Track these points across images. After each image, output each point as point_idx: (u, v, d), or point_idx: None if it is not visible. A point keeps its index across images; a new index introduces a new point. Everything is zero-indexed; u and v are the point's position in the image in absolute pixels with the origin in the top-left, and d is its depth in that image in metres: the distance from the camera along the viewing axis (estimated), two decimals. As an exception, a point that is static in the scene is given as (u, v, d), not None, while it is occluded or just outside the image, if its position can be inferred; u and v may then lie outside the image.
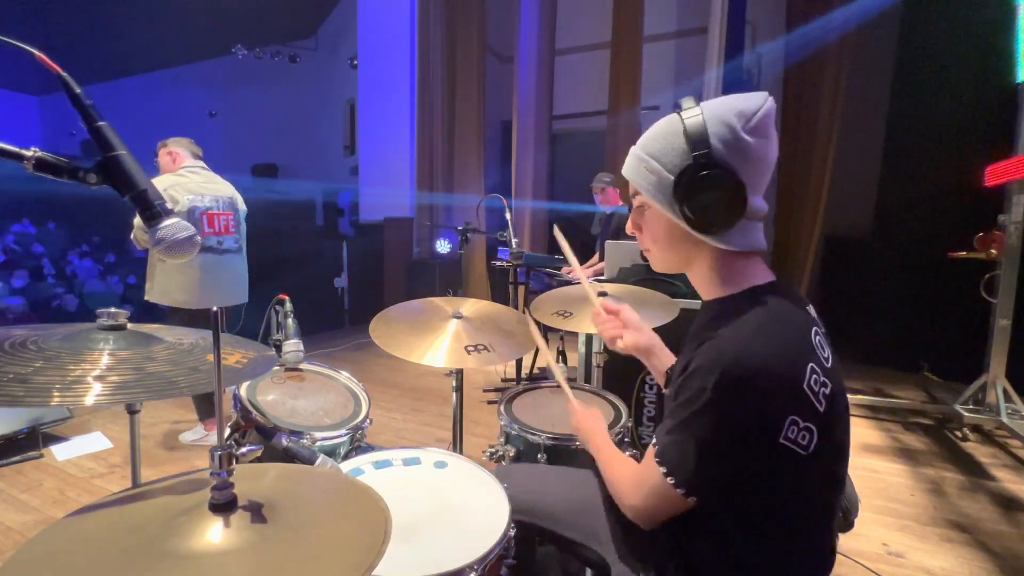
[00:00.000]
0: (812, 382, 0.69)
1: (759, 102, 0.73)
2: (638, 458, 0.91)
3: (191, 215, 2.47)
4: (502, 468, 1.20)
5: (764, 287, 0.78)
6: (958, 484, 2.41)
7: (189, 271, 2.42)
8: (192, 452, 2.63)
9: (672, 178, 0.75)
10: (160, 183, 2.43)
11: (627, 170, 0.83)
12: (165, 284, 2.44)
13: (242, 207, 2.71)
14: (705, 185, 0.72)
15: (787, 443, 0.68)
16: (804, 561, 0.77)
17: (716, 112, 0.74)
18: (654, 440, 0.78)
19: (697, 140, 0.72)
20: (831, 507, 0.78)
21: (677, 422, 0.73)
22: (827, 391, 0.70)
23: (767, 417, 0.68)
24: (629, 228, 0.89)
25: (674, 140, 0.76)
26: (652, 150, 0.79)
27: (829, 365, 0.73)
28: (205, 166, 2.61)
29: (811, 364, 0.69)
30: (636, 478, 0.81)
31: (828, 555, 0.79)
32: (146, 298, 2.51)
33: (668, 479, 0.73)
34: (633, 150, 0.82)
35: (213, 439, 2.51)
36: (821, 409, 0.69)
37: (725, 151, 0.72)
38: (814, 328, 0.75)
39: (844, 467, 0.78)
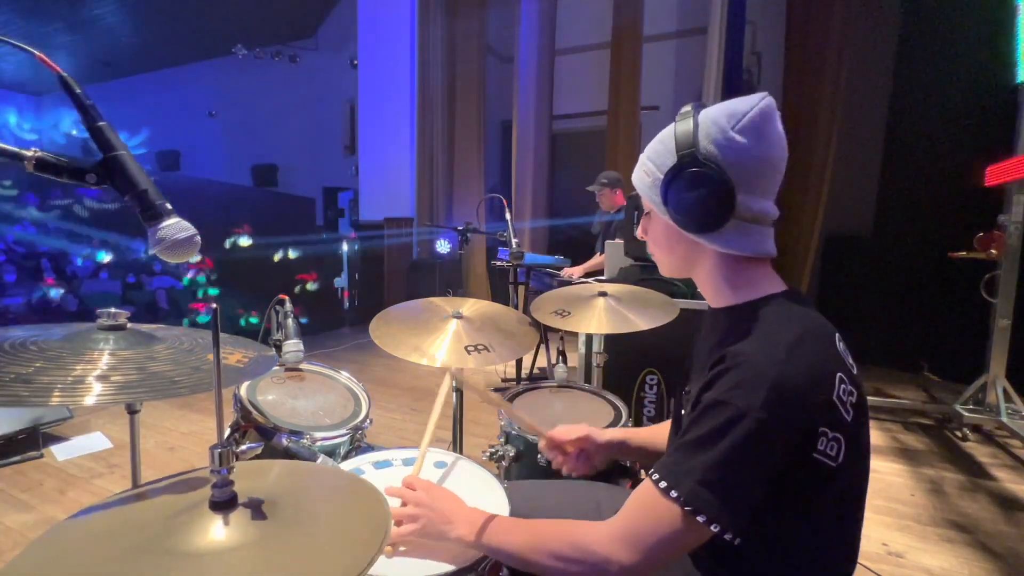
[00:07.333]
0: (841, 392, 0.67)
1: (753, 102, 0.73)
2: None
3: None
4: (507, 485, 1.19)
5: (782, 295, 0.76)
6: (958, 484, 2.41)
7: None
8: (192, 452, 2.63)
9: (661, 177, 0.77)
10: None
11: (633, 176, 0.84)
12: None
13: None
14: (688, 182, 0.73)
15: (819, 456, 0.66)
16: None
17: (709, 113, 0.75)
18: (660, 479, 0.67)
19: (683, 139, 0.74)
20: (857, 518, 0.75)
21: (712, 456, 0.64)
22: (853, 400, 0.69)
23: (807, 432, 0.65)
24: (638, 233, 0.89)
25: (668, 142, 0.77)
26: (650, 154, 0.80)
27: (855, 372, 0.73)
28: None
29: (839, 374, 0.68)
30: (624, 532, 0.69)
31: (852, 564, 0.77)
32: None
33: (712, 526, 0.64)
34: (640, 156, 0.84)
35: None
36: (848, 419, 0.68)
37: (715, 150, 0.72)
38: (837, 335, 0.74)
39: (868, 476, 0.76)
